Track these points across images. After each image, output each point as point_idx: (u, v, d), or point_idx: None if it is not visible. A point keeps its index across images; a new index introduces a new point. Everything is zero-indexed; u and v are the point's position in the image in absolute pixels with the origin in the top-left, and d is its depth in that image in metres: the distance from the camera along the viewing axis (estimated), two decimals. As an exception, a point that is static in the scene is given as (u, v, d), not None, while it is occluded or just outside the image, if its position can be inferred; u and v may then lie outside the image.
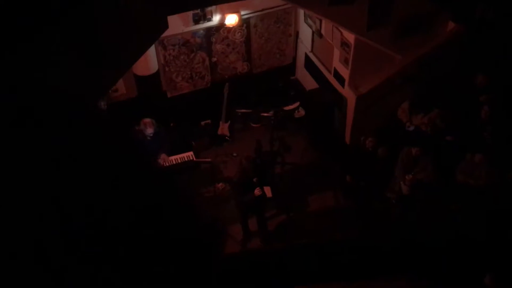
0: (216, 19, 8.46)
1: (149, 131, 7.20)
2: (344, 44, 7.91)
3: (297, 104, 9.17)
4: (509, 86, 7.22)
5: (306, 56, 9.53)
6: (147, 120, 7.23)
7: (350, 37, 7.67)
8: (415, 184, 7.05)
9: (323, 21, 8.40)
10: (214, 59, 9.10)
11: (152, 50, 8.04)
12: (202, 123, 9.34)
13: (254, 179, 6.68)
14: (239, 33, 9.00)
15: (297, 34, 9.59)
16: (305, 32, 9.32)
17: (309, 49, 9.36)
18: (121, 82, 8.35)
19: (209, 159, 8.35)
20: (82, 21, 3.98)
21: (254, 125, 9.40)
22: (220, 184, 8.22)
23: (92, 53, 4.36)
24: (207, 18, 8.34)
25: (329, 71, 8.76)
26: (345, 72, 8.17)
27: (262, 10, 8.89)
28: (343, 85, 8.33)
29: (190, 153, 7.86)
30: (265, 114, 8.72)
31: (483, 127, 7.01)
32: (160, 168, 7.11)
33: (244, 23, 8.86)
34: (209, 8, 8.21)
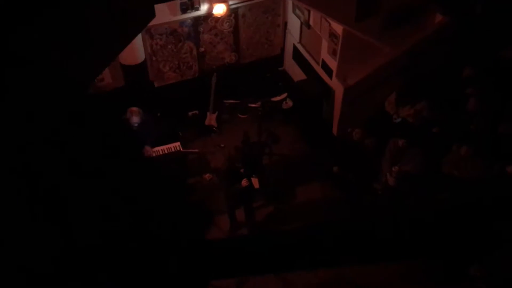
0: (204, 8, 8.38)
1: (135, 120, 7.13)
2: (332, 35, 7.90)
3: (284, 95, 9.16)
4: (496, 79, 7.27)
5: (294, 47, 9.50)
6: (134, 108, 7.16)
7: (339, 28, 7.66)
8: (401, 175, 7.10)
9: (312, 12, 8.37)
10: (202, 49, 9.02)
11: (138, 39, 7.95)
12: (190, 113, 9.28)
13: (241, 170, 6.67)
14: (227, 23, 8.93)
15: (285, 24, 9.55)
16: (294, 23, 9.29)
17: (297, 40, 9.33)
18: (107, 72, 8.24)
19: (197, 150, 8.31)
20: (65, 9, 3.89)
21: (241, 116, 9.37)
22: (208, 174, 8.20)
23: (75, 43, 4.27)
24: (194, 7, 8.24)
25: (317, 63, 8.75)
26: (333, 64, 8.17)
27: (251, 0, 8.82)
28: (331, 77, 8.33)
29: (177, 144, 7.81)
30: (253, 105, 8.70)
31: (469, 120, 7.06)
32: (148, 157, 7.06)
33: (232, 13, 8.79)
34: (197, -3, 8.12)
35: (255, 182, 7.00)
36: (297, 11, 8.93)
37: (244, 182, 6.62)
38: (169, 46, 8.66)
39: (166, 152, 7.63)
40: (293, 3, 8.96)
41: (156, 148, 7.61)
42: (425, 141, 7.26)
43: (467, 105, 7.19)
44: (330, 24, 7.85)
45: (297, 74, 9.61)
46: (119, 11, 5.16)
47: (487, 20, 7.06)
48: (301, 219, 7.67)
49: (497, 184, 6.31)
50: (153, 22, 6.98)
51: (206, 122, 8.97)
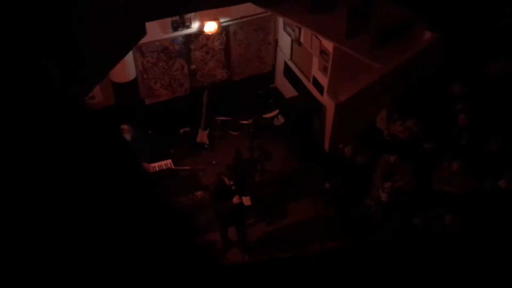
0: (195, 26, 8.42)
1: (126, 137, 7.10)
2: (323, 52, 7.95)
3: (276, 112, 9.17)
4: (484, 94, 7.34)
5: (285, 64, 9.55)
6: (124, 126, 7.14)
7: (329, 45, 7.72)
8: (393, 191, 7.09)
9: (302, 29, 8.44)
10: (193, 67, 9.04)
11: (130, 57, 7.94)
12: (181, 130, 9.26)
13: (233, 187, 6.63)
14: (218, 41, 8.97)
15: (276, 42, 9.61)
16: (284, 40, 9.35)
17: (288, 57, 9.38)
18: (98, 89, 8.22)
19: (188, 167, 8.28)
20: (57, 26, 3.89)
21: (233, 132, 9.35)
22: (199, 192, 8.14)
23: (67, 59, 4.26)
24: (186, 25, 8.29)
25: (308, 79, 8.79)
26: (324, 80, 8.21)
27: (242, 17, 8.88)
28: (322, 93, 8.37)
29: (169, 161, 7.77)
30: (244, 122, 8.70)
31: (460, 135, 7.10)
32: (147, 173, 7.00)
33: (223, 30, 8.84)
34: (188, 15, 8.16)
35: (247, 199, 6.96)
36: (288, 29, 8.99)
37: (235, 200, 6.57)
38: (160, 64, 8.67)
39: (157, 169, 7.57)
40: (283, 21, 9.03)
41: (150, 166, 7.55)
42: (416, 157, 7.27)
43: (457, 120, 7.23)
44: (320, 42, 7.91)
45: (288, 90, 9.64)
46: (110, 29, 5.17)
47: (476, 35, 7.14)
48: (293, 238, 7.62)
49: (490, 199, 6.32)
50: (144, 40, 7.01)
51: (198, 139, 8.93)
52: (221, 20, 8.55)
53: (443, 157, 6.91)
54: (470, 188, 6.60)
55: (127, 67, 8.05)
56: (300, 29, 8.52)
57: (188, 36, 8.59)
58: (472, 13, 6.92)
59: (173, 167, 7.74)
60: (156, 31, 8.08)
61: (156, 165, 7.60)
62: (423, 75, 7.71)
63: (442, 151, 7.09)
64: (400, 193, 7.06)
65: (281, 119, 9.19)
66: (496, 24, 7.20)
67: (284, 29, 9.16)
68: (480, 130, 7.02)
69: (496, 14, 7.25)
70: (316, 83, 8.51)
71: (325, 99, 8.26)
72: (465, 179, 6.68)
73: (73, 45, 4.41)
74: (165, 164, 7.67)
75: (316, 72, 8.42)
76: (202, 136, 8.91)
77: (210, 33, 8.61)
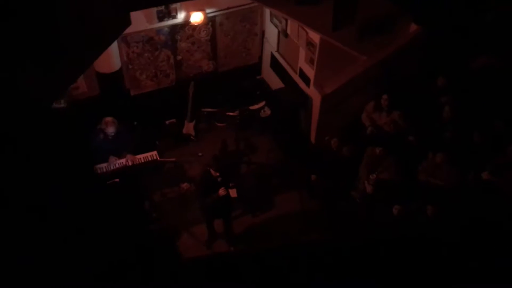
0: (181, 16, 8.35)
1: (111, 130, 7.02)
2: (310, 44, 7.94)
3: (262, 103, 9.15)
4: (469, 87, 7.40)
5: (272, 56, 9.52)
6: (109, 118, 7.05)
7: (316, 37, 7.70)
8: (378, 183, 7.13)
9: (289, 21, 8.41)
10: (179, 57, 8.97)
11: (114, 47, 7.85)
12: (167, 122, 9.19)
13: (219, 179, 6.61)
14: (205, 31, 8.90)
15: (263, 33, 9.57)
16: (271, 32, 9.31)
17: (275, 48, 9.35)
18: (82, 80, 8.12)
19: (174, 159, 8.23)
20: (39, 15, 3.82)
21: (219, 124, 9.32)
22: (185, 184, 8.12)
23: (50, 49, 4.18)
24: (171, 15, 8.21)
25: (295, 71, 8.78)
26: (310, 72, 8.20)
27: (228, 8, 8.82)
28: (308, 85, 8.36)
29: (154, 153, 7.70)
30: (231, 114, 8.68)
31: (444, 128, 7.16)
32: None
33: (209, 21, 8.77)
34: (173, 5, 8.08)
35: (233, 191, 6.94)
36: (275, 20, 8.95)
37: (221, 191, 6.56)
38: (146, 54, 8.58)
39: (143, 161, 7.51)
40: (270, 12, 8.99)
41: (136, 157, 7.49)
42: (401, 149, 7.32)
43: (442, 113, 7.28)
44: (307, 33, 7.89)
45: (275, 82, 9.62)
46: (92, 19, 5.09)
47: (460, 29, 7.19)
48: (279, 230, 7.64)
49: (473, 191, 6.40)
50: (129, 30, 6.91)
51: (184, 131, 8.88)
52: (207, 10, 8.49)
53: (428, 149, 6.96)
54: (455, 180, 6.67)
55: (112, 57, 7.95)
56: (287, 20, 8.49)
57: (174, 26, 8.51)
58: (457, 7, 6.96)
59: (158, 158, 7.67)
60: (142, 21, 7.99)
61: (142, 157, 7.52)
62: (409, 68, 7.76)
63: (426, 143, 7.15)
64: (385, 185, 7.11)
65: (267, 111, 9.18)
66: (481, 18, 7.25)
67: (271, 20, 9.12)
68: (464, 123, 7.09)
69: (481, 9, 7.30)
70: (302, 74, 8.50)
71: (312, 91, 8.27)
72: (449, 171, 6.74)
73: (54, 35, 4.33)
74: (150, 156, 7.59)
75: (302, 63, 8.41)
76: (188, 127, 8.86)
77: (196, 24, 8.54)
